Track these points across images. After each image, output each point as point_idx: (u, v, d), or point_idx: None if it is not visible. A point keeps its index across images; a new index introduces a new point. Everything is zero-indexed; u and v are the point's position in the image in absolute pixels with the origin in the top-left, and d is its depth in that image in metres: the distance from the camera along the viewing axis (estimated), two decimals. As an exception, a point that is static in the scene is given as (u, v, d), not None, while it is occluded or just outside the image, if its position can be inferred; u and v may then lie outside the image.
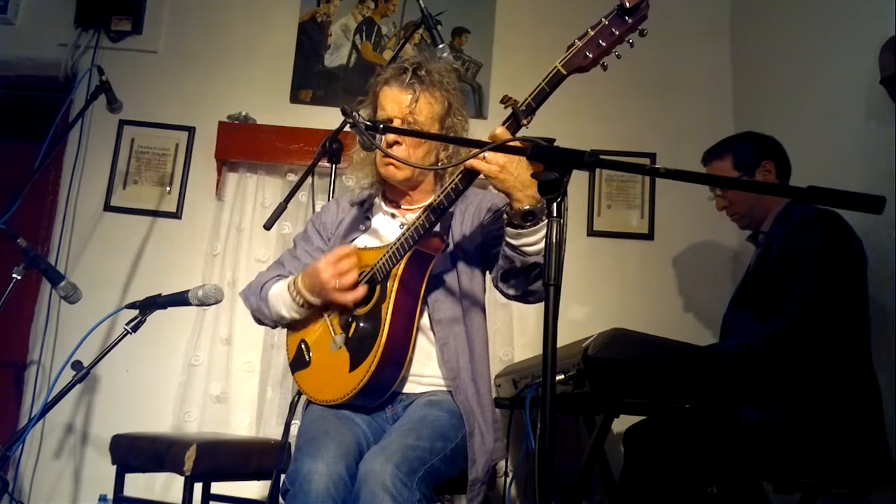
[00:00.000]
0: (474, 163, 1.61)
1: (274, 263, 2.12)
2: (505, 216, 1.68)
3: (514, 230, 1.65)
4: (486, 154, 1.58)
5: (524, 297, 1.79)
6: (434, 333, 1.88)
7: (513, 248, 1.67)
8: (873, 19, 2.43)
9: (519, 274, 1.72)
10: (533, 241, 1.65)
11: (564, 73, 1.55)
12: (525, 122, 1.59)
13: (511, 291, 1.79)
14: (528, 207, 1.61)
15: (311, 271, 1.86)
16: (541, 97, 1.58)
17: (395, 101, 1.90)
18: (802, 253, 2.08)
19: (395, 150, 1.89)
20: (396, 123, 1.89)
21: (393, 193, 2.06)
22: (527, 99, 1.59)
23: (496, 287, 1.85)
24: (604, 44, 1.51)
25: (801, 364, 1.96)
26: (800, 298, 2.02)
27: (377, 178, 2.05)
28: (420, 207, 1.99)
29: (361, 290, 1.83)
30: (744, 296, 2.33)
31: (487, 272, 2.00)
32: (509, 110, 1.60)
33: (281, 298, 1.93)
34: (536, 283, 1.73)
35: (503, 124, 1.61)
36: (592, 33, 1.52)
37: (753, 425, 1.96)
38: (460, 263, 1.92)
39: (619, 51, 1.53)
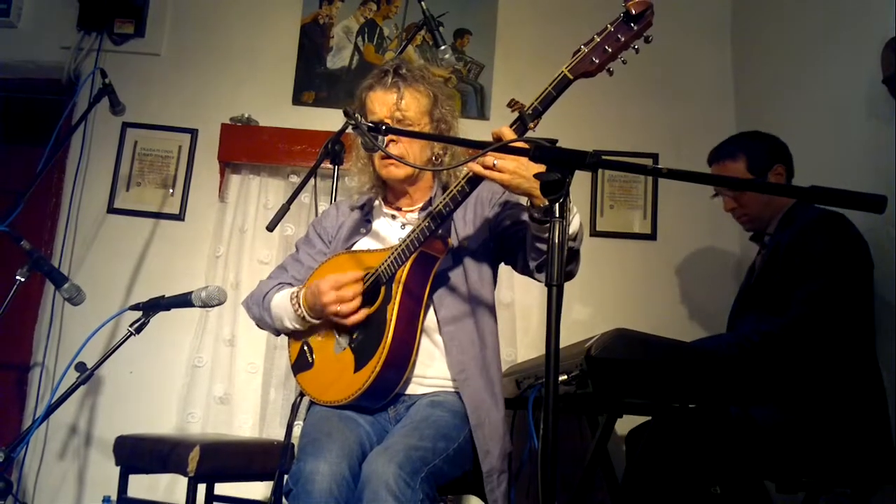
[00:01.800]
0: (486, 172, 1.62)
1: (277, 268, 2.12)
2: (526, 217, 1.68)
3: (541, 225, 1.65)
4: (497, 162, 1.59)
5: None
6: (441, 332, 1.88)
7: (543, 240, 1.67)
8: (874, 19, 2.43)
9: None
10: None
11: (571, 77, 1.57)
12: (532, 125, 1.61)
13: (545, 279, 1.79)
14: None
15: (314, 290, 1.85)
16: (547, 101, 1.59)
17: (382, 103, 1.92)
18: (806, 255, 2.08)
19: (392, 148, 1.90)
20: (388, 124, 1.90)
21: (392, 195, 2.06)
22: (533, 103, 1.60)
23: (531, 276, 1.83)
24: (610, 50, 1.53)
25: (798, 361, 1.95)
26: (800, 298, 2.02)
27: (376, 181, 2.06)
28: (419, 207, 2.00)
29: (362, 314, 1.83)
30: (750, 297, 2.33)
31: (500, 265, 2.00)
32: (515, 114, 1.61)
33: (283, 309, 1.94)
34: (570, 266, 1.72)
35: (510, 126, 1.61)
36: (598, 39, 1.54)
37: (757, 425, 1.96)
38: (467, 260, 1.93)
39: (624, 56, 1.54)
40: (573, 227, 1.66)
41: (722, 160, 2.40)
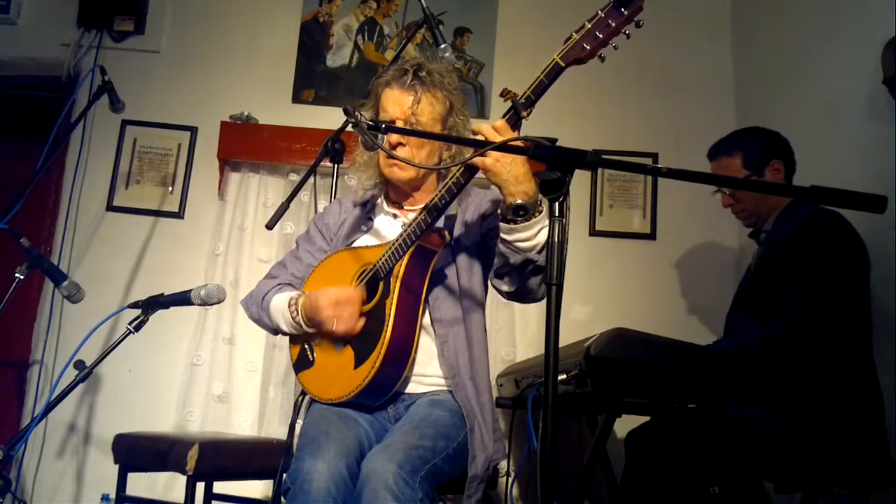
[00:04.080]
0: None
1: (276, 265, 2.12)
2: (499, 211, 1.68)
3: (507, 225, 1.65)
4: None
5: (518, 296, 1.78)
6: (435, 332, 1.88)
7: (506, 243, 1.67)
8: (875, 19, 2.43)
9: (512, 271, 1.72)
10: (525, 236, 1.64)
11: (563, 65, 1.57)
12: (525, 114, 1.61)
13: (505, 288, 1.78)
14: (519, 202, 1.60)
15: (313, 302, 1.83)
16: (540, 89, 1.60)
17: (397, 103, 1.90)
18: (803, 253, 2.08)
19: (399, 151, 1.89)
20: (399, 125, 1.89)
21: (395, 194, 2.06)
22: (526, 92, 1.61)
23: (492, 284, 1.85)
24: (601, 35, 1.54)
25: (798, 365, 1.95)
26: (798, 299, 2.02)
27: (380, 179, 2.05)
28: (421, 207, 1.99)
29: (358, 326, 1.82)
30: (745, 295, 2.34)
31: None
32: (509, 103, 1.62)
33: (281, 313, 1.94)
34: (530, 280, 1.72)
35: (503, 117, 1.61)
36: (589, 26, 1.55)
37: (755, 425, 1.96)
38: (460, 261, 1.92)
39: (617, 42, 1.55)
40: (539, 238, 1.65)
41: (719, 156, 2.43)
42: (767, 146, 2.37)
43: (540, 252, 1.66)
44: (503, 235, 1.67)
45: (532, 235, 1.64)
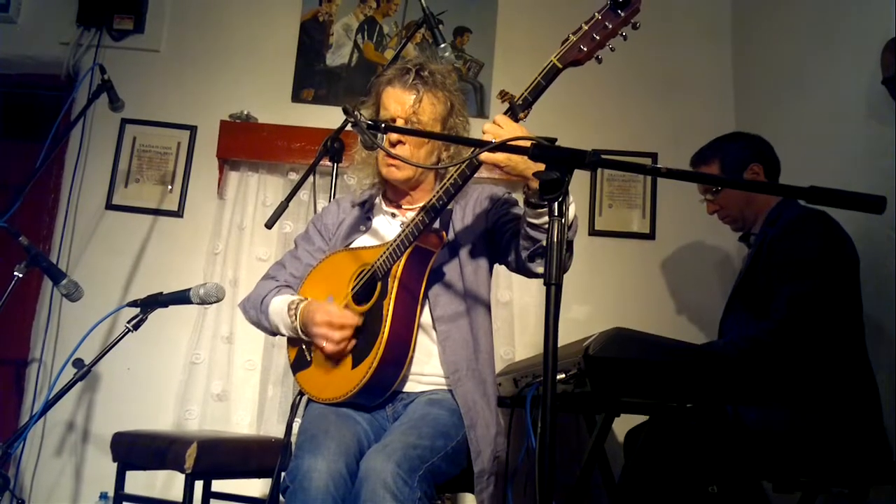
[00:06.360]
0: (483, 155, 1.61)
1: (275, 265, 2.12)
2: (524, 195, 1.67)
3: (535, 210, 1.64)
4: (495, 141, 1.58)
5: None
6: (436, 330, 1.88)
7: (536, 227, 1.66)
8: (874, 19, 2.43)
9: (545, 252, 1.71)
10: None
11: (560, 66, 1.58)
12: (522, 115, 1.62)
13: (539, 270, 1.75)
14: None
15: (311, 311, 1.85)
16: (537, 91, 1.61)
17: (399, 102, 1.90)
18: (792, 254, 2.08)
19: (399, 150, 1.89)
20: (399, 124, 1.89)
21: (394, 193, 2.06)
22: (523, 93, 1.62)
23: (521, 270, 1.81)
24: (597, 37, 1.55)
25: (789, 364, 1.95)
26: (788, 299, 2.02)
27: (378, 178, 2.05)
28: (419, 206, 1.99)
29: (347, 349, 1.83)
30: (737, 297, 2.33)
31: (495, 264, 1.99)
32: (507, 105, 1.63)
33: (280, 316, 1.94)
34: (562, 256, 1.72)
35: None
36: (586, 27, 1.56)
37: (753, 425, 1.96)
38: (464, 258, 1.93)
39: (613, 44, 1.56)
40: (569, 215, 1.64)
41: (698, 165, 2.44)
42: (745, 151, 2.36)
43: (570, 228, 1.65)
44: (532, 220, 1.66)
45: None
